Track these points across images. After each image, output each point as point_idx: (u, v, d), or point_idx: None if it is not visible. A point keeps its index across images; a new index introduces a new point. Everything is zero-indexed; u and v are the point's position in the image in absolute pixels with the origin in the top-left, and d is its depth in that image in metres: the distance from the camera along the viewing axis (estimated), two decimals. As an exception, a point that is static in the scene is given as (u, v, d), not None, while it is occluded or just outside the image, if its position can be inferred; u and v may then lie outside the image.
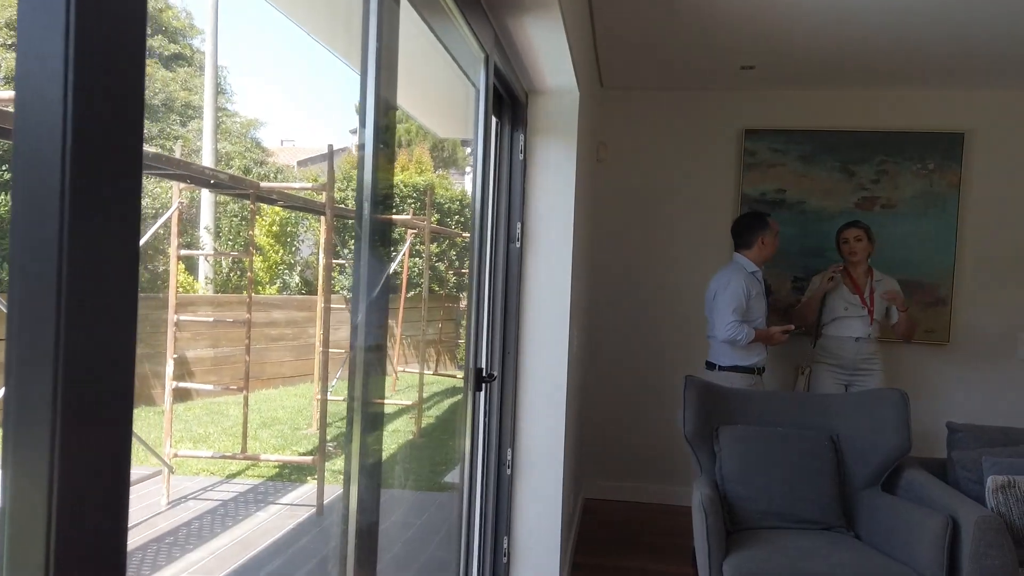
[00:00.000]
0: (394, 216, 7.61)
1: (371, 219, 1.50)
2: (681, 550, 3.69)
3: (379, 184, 1.52)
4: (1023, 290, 4.22)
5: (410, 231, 7.32)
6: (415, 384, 6.33)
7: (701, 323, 3.92)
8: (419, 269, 7.96)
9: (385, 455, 5.58)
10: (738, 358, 3.58)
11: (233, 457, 4.40)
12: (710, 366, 3.68)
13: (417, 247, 7.82)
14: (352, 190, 7.94)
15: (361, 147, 1.50)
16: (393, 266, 7.44)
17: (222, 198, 8.09)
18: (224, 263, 7.89)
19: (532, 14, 2.27)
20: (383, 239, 1.53)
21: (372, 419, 1.45)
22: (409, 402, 6.61)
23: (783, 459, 2.91)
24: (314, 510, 4.03)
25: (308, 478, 4.59)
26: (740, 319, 3.51)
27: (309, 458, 4.53)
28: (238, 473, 4.53)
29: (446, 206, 9.08)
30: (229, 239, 8.11)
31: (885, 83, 4.24)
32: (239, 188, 4.89)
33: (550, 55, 2.56)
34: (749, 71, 4.12)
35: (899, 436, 2.88)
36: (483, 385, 2.32)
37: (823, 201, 4.37)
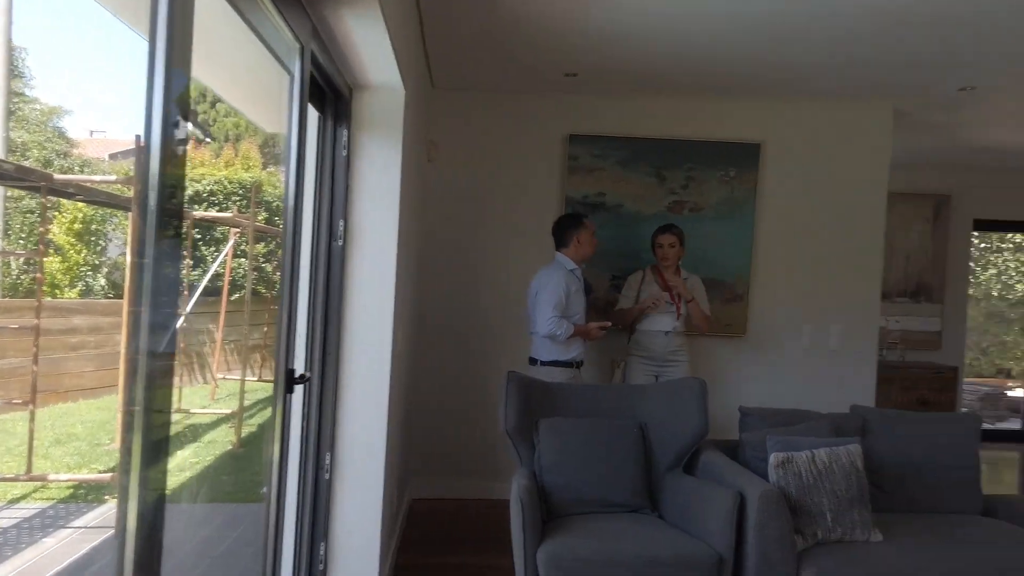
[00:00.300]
0: (216, 214, 7.17)
1: (159, 211, 1.39)
2: (505, 543, 3.77)
3: (168, 171, 1.41)
4: (806, 287, 4.71)
5: (234, 230, 6.93)
6: (237, 392, 6.00)
7: (527, 320, 4.03)
8: (244, 270, 7.58)
9: (201, 468, 5.24)
10: (558, 353, 3.72)
11: (16, 479, 3.92)
12: (532, 361, 3.80)
13: (242, 247, 7.42)
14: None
15: (147, 127, 1.39)
16: (215, 267, 7.01)
17: (16, 192, 7.23)
18: (13, 264, 7.05)
19: (350, 8, 2.22)
20: (172, 234, 1.42)
21: (155, 430, 1.34)
22: (229, 411, 6.26)
23: (597, 448, 3.06)
24: (112, 532, 3.69)
25: (108, 497, 4.20)
26: (560, 315, 3.65)
27: (108, 475, 4.15)
28: (22, 497, 4.06)
29: (275, 204, 8.69)
30: (21, 237, 7.27)
31: (693, 94, 4.58)
32: (28, 180, 4.39)
33: (372, 50, 2.53)
34: (573, 78, 4.30)
35: (698, 421, 3.12)
36: (294, 387, 2.24)
37: (639, 204, 4.64)
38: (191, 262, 7.26)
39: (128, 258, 4.61)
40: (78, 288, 7.15)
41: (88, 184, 4.97)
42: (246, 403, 6.06)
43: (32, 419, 4.02)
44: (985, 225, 7.02)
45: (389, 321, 2.90)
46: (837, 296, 4.72)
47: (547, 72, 4.18)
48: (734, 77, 4.18)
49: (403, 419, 3.85)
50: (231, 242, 6.89)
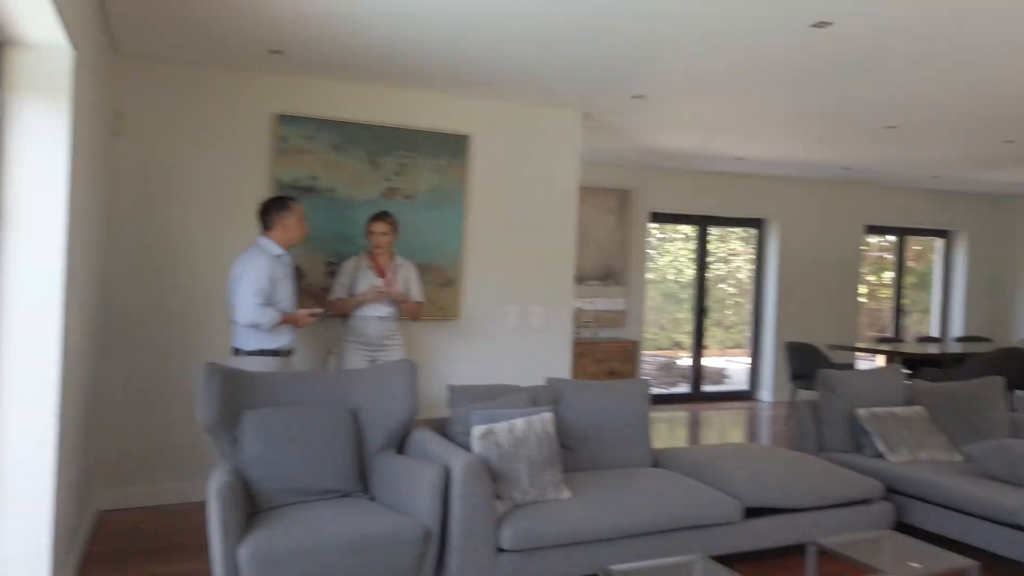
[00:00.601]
0: None
1: None
2: (208, 546, 3.54)
3: None
4: (512, 272, 5.06)
5: None
6: None
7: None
8: None
9: None
10: (264, 342, 3.57)
11: None
12: (236, 352, 3.60)
13: None
14: None
15: None
16: None
17: None
18: None
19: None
20: None
21: None
22: None
23: (305, 436, 2.99)
24: None
25: None
26: (263, 302, 3.50)
27: None
28: None
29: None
30: None
31: (406, 84, 4.65)
32: None
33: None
34: (278, 55, 4.11)
35: (407, 402, 3.20)
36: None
37: (352, 190, 4.61)
38: None
39: None
40: None
41: None
42: None
43: None
44: (660, 217, 8.14)
45: (57, 313, 2.55)
46: (538, 280, 5.14)
47: (249, 47, 3.96)
48: (444, 71, 4.32)
49: (83, 424, 3.42)
50: None
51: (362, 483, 3.09)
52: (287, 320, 3.61)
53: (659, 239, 8.93)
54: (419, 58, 4.09)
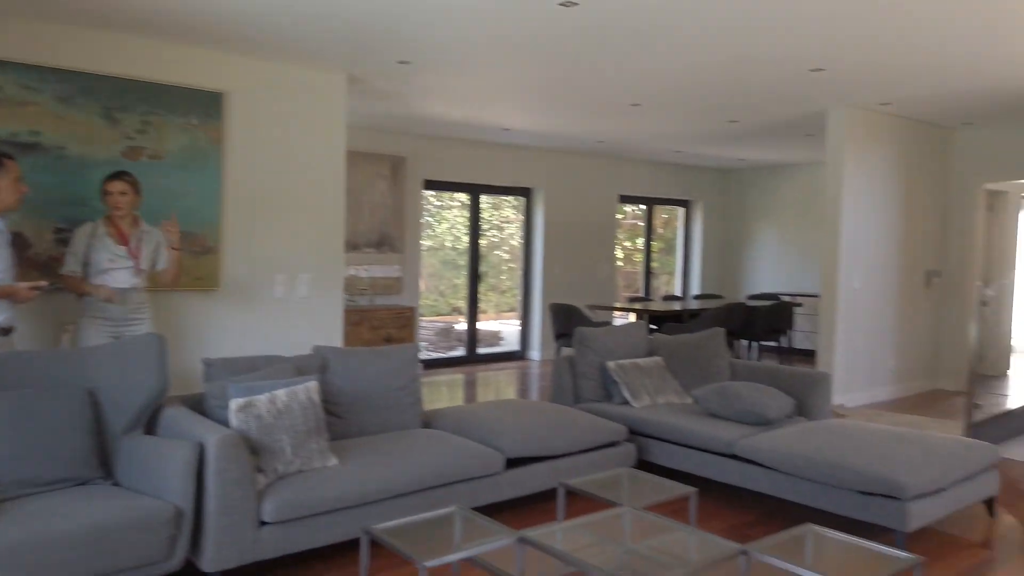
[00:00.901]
0: None
1: None
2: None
3: None
4: (276, 238, 4.86)
5: None
6: None
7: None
8: None
9: None
10: (-27, 320, 3.12)
11: None
12: (-63, 332, 3.11)
13: None
14: None
15: None
16: None
17: None
18: None
19: None
20: None
21: None
22: None
23: (29, 422, 2.67)
24: None
25: None
26: (-30, 274, 3.05)
27: None
28: None
29: None
30: None
31: (150, 33, 4.23)
32: None
33: None
34: (-17, -11, 3.54)
35: (156, 378, 2.97)
36: None
37: (86, 148, 4.13)
38: None
39: None
40: None
41: None
42: None
43: None
44: (434, 185, 8.24)
45: None
46: (306, 247, 4.99)
47: (-56, -26, 3.37)
48: (193, 21, 3.99)
49: None
50: None
51: (104, 468, 2.84)
52: (3, 294, 3.17)
53: (437, 206, 9.04)
54: (162, 4, 3.74)
